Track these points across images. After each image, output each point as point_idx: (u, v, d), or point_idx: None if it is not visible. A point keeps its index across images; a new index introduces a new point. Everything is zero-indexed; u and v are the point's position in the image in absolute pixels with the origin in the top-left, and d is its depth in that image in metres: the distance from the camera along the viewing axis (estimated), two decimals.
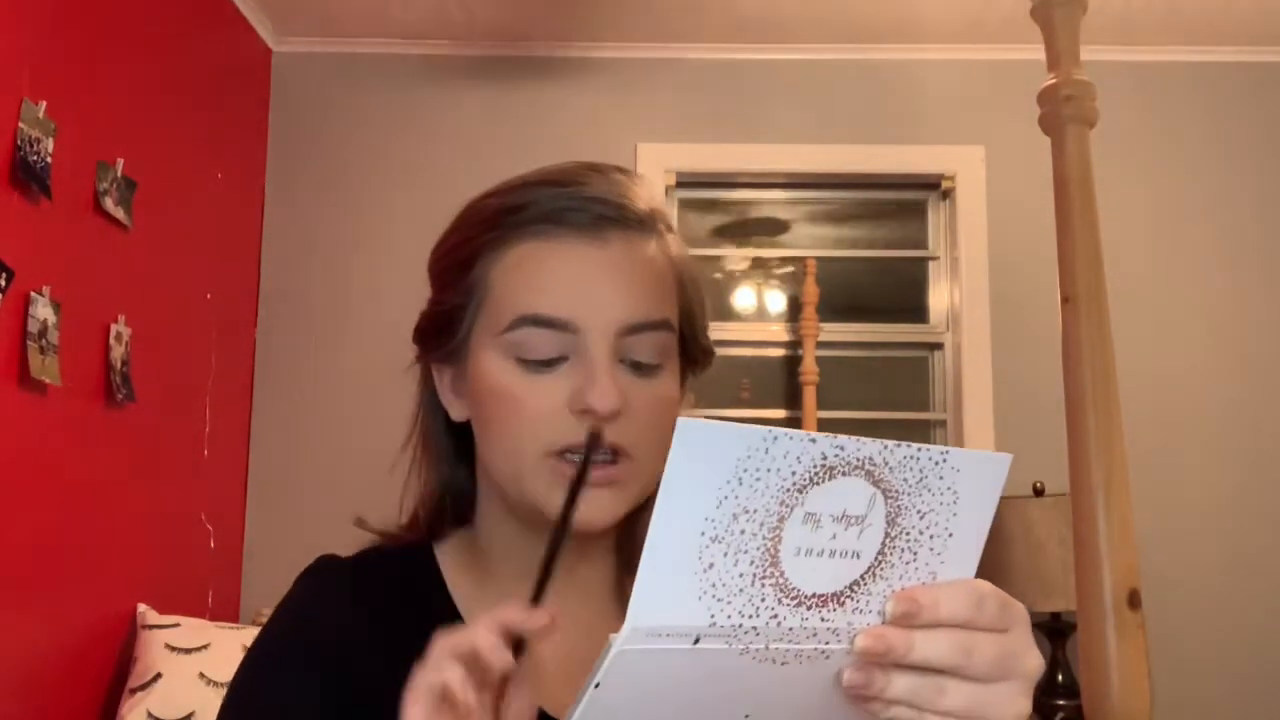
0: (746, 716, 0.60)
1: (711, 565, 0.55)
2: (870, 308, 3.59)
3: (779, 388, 3.45)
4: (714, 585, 0.55)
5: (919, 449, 0.57)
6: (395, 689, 0.63)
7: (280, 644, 0.83)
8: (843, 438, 0.56)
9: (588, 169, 0.83)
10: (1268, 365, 3.30)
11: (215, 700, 2.46)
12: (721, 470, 0.53)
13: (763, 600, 0.56)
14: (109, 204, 2.49)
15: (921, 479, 0.58)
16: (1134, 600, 1.36)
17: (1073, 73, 1.57)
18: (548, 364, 0.79)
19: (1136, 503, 1.44)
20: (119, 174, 2.53)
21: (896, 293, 3.62)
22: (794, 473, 0.55)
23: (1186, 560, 3.15)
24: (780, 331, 3.49)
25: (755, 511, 0.54)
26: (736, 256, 3.63)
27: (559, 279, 0.79)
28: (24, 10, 2.20)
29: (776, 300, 3.61)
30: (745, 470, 0.54)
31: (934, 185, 3.50)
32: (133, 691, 2.46)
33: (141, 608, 2.61)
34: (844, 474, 0.56)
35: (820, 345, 3.32)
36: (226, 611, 3.08)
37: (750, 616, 0.56)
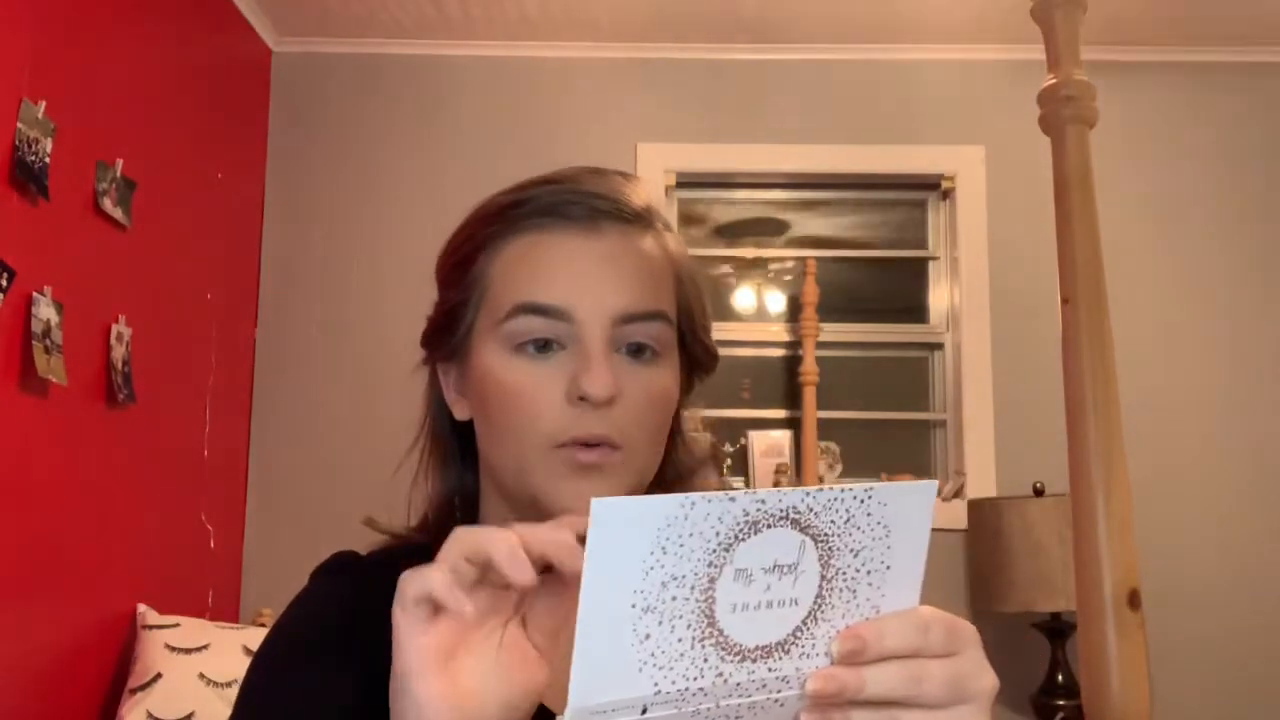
0: None
1: (648, 636, 0.55)
2: (870, 308, 3.59)
3: (779, 388, 3.45)
4: (653, 654, 0.55)
5: (842, 490, 0.57)
6: None
7: (301, 636, 0.81)
8: (763, 491, 0.56)
9: (588, 171, 0.85)
10: (1268, 364, 3.30)
11: (215, 700, 2.46)
12: (643, 542, 0.53)
13: (705, 661, 0.56)
14: (108, 204, 2.49)
15: (849, 519, 0.58)
16: (1134, 600, 1.36)
17: (1073, 73, 1.57)
18: (545, 354, 0.80)
19: (1136, 502, 1.44)
20: (118, 174, 2.53)
21: (896, 293, 3.63)
22: (717, 533, 0.55)
23: (1187, 560, 3.15)
24: (780, 332, 3.49)
25: (684, 577, 0.55)
26: (736, 256, 3.63)
27: (555, 269, 0.80)
28: (23, 10, 2.20)
29: (776, 300, 3.61)
30: (667, 539, 0.54)
31: (934, 185, 3.50)
32: (133, 691, 2.46)
33: (141, 608, 2.61)
34: (769, 526, 0.56)
35: (820, 345, 3.32)
36: (226, 611, 3.08)
37: (695, 679, 0.56)
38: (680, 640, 0.56)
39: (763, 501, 0.55)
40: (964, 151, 3.43)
